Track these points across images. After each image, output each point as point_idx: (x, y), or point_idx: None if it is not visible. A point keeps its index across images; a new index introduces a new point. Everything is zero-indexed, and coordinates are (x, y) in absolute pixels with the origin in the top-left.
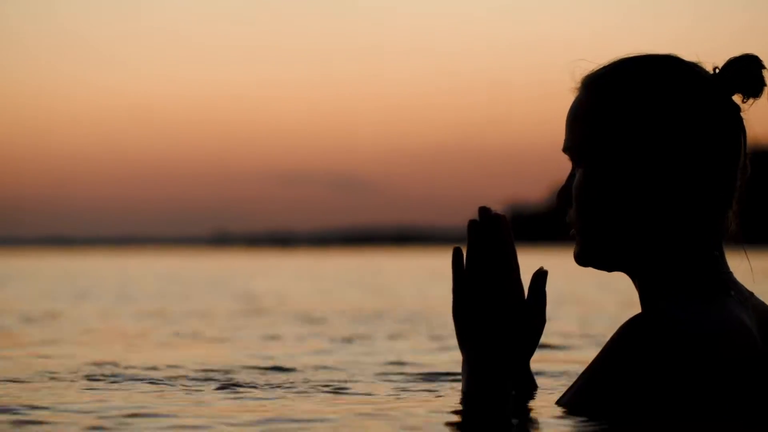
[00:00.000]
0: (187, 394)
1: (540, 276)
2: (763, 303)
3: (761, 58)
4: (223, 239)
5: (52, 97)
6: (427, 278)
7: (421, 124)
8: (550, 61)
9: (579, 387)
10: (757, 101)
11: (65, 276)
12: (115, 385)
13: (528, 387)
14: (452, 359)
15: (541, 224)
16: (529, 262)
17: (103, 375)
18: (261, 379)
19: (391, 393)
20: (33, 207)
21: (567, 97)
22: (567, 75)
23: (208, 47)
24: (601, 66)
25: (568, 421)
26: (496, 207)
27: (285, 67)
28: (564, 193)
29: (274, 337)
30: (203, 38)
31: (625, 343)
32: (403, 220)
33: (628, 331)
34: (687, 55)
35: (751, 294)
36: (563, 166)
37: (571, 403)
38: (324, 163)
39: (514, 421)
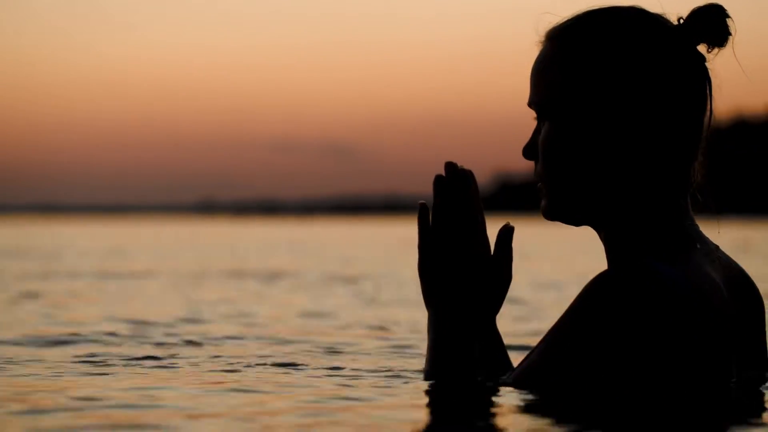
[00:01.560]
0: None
1: (506, 232)
2: (727, 256)
3: (725, 6)
4: (210, 207)
5: (38, 64)
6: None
7: (409, 93)
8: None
9: (542, 349)
10: (721, 50)
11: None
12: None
13: (495, 344)
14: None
15: (528, 193)
16: (516, 231)
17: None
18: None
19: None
20: (19, 174)
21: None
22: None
23: (196, 16)
24: (565, 19)
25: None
26: (485, 175)
27: (274, 36)
28: (530, 148)
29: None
30: (192, 6)
31: (600, 297)
32: (392, 189)
33: (602, 285)
34: (651, 6)
35: (717, 247)
36: None
37: (531, 367)
38: (313, 131)
39: (480, 378)
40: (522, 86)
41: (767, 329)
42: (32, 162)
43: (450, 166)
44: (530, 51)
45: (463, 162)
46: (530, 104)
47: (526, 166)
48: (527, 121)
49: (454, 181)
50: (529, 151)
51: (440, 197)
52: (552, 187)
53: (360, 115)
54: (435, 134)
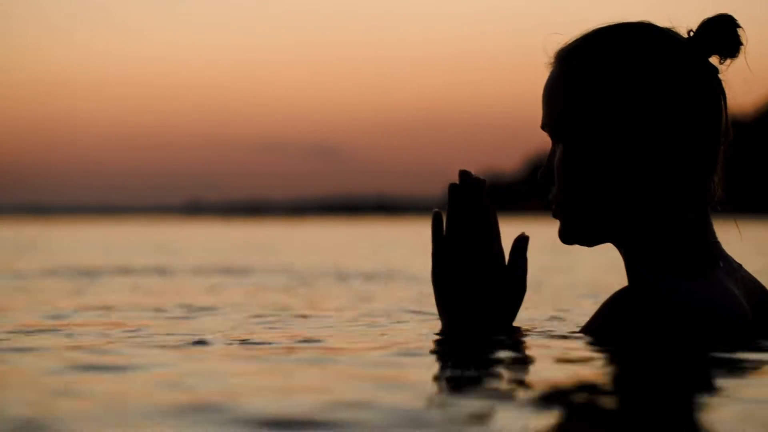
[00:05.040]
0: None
1: (521, 241)
2: (750, 275)
3: (735, 16)
4: (197, 208)
5: (23, 64)
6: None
7: (396, 93)
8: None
9: None
10: (734, 61)
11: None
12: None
13: None
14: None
15: (515, 193)
16: (504, 231)
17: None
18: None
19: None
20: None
21: (542, 66)
22: (541, 45)
23: (180, 16)
24: (574, 39)
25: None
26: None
27: (261, 35)
28: (546, 171)
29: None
30: (176, 5)
31: (616, 312)
32: (380, 189)
33: (619, 301)
34: (660, 21)
35: (740, 266)
36: (538, 136)
37: None
38: (300, 131)
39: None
40: (512, 87)
41: None
42: (17, 162)
43: (464, 175)
44: (519, 52)
45: (451, 162)
46: (543, 127)
47: (514, 165)
48: (516, 121)
49: (468, 189)
50: (545, 174)
51: (455, 205)
52: (569, 209)
53: (346, 115)
54: (422, 134)
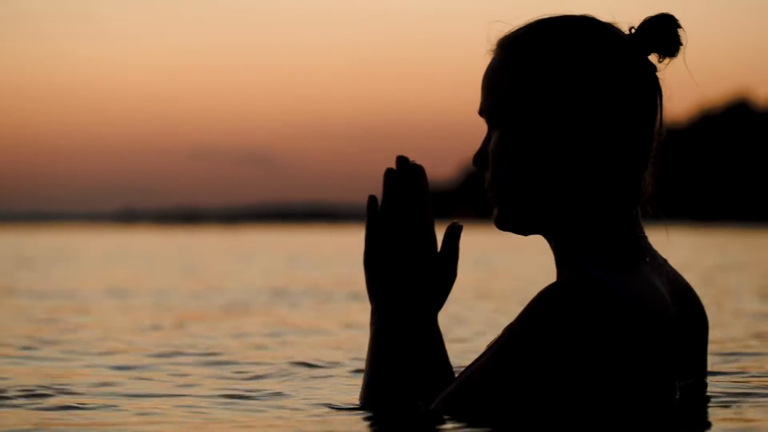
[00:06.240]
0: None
1: (454, 230)
2: (674, 271)
3: (676, 16)
4: (129, 216)
5: None
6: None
7: (330, 100)
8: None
9: (484, 363)
10: (672, 60)
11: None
12: None
13: (435, 341)
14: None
15: (451, 201)
16: (440, 239)
17: None
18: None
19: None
20: None
21: (479, 68)
22: (481, 43)
23: (111, 21)
24: (517, 27)
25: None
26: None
27: (192, 40)
28: (480, 156)
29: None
30: (108, 12)
31: (547, 311)
32: (313, 197)
33: (549, 299)
34: (602, 16)
35: (665, 261)
36: (474, 143)
37: (473, 380)
38: (232, 139)
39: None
40: (446, 93)
41: (708, 344)
42: None
43: (401, 160)
44: (461, 57)
45: (385, 169)
46: (481, 112)
47: (448, 173)
48: (451, 128)
49: (405, 174)
50: (479, 160)
51: (390, 190)
52: (503, 196)
53: (278, 122)
54: (358, 142)
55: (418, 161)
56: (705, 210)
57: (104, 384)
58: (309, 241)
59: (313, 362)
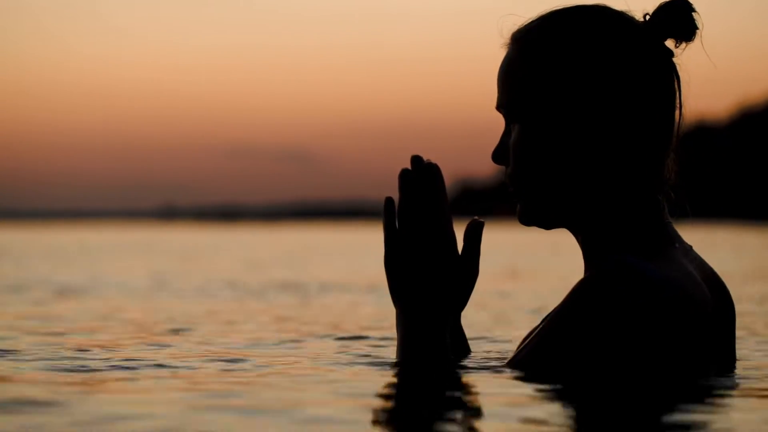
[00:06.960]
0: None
1: (475, 227)
2: (699, 257)
3: (691, 0)
4: (171, 213)
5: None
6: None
7: (368, 98)
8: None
9: (535, 344)
10: (690, 44)
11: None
12: None
13: (459, 341)
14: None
15: (490, 199)
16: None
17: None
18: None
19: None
20: None
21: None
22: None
23: (150, 20)
24: (530, 20)
25: (518, 380)
26: (447, 180)
27: (234, 38)
28: (500, 152)
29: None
30: (145, 11)
31: (590, 299)
32: (353, 195)
33: (591, 286)
34: (616, 3)
35: (691, 247)
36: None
37: (526, 361)
38: (270, 137)
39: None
40: (485, 91)
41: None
42: None
43: (416, 160)
44: (495, 55)
45: None
46: (498, 107)
47: (488, 171)
48: (490, 126)
49: (420, 174)
50: (499, 155)
51: (406, 191)
52: (526, 191)
53: (316, 119)
54: (395, 139)
55: (455, 160)
56: (746, 209)
57: None
58: (356, 239)
59: None
